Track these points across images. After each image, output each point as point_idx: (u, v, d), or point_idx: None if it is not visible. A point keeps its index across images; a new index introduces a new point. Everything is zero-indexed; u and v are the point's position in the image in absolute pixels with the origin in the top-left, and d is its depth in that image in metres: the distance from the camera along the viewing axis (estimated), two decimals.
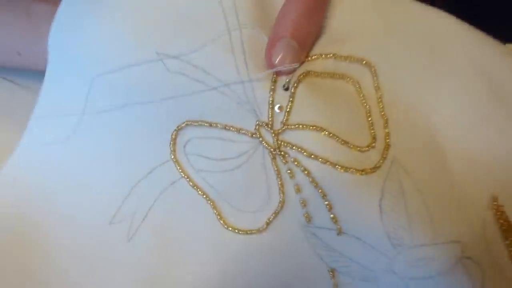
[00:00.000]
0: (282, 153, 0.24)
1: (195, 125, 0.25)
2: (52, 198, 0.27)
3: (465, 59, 0.27)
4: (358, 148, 0.24)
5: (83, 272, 0.26)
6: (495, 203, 0.25)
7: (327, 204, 0.23)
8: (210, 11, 0.25)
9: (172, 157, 0.26)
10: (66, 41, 0.26)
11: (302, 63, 0.25)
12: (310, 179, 0.23)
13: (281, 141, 0.24)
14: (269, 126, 0.24)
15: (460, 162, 0.26)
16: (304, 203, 0.24)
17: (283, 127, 0.24)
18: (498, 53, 0.27)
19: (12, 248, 0.26)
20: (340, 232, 0.23)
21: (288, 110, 0.24)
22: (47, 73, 0.27)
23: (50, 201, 0.27)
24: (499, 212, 0.26)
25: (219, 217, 0.25)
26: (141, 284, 0.25)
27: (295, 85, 0.24)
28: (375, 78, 0.25)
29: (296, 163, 0.23)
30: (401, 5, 0.27)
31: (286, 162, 0.24)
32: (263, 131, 0.24)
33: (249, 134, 0.24)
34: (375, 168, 0.24)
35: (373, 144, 0.24)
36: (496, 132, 0.27)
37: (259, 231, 0.25)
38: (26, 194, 0.27)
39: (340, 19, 0.27)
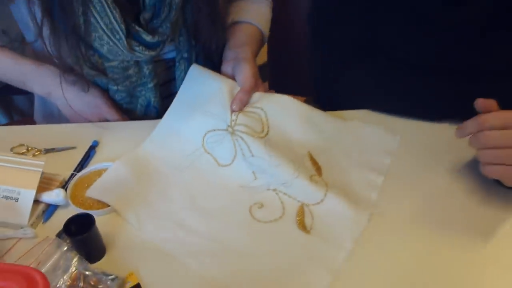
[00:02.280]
0: (234, 134, 0.74)
1: (210, 131, 0.76)
2: (160, 155, 0.77)
3: (298, 113, 0.80)
4: (257, 134, 0.75)
5: (166, 181, 0.73)
6: (309, 152, 0.76)
7: (248, 147, 0.73)
8: (217, 99, 0.78)
9: (202, 144, 0.76)
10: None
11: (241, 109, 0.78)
12: (244, 141, 0.74)
13: (234, 130, 0.75)
14: (231, 126, 0.75)
15: (297, 141, 0.77)
16: (242, 151, 0.73)
17: (234, 125, 0.75)
18: (313, 111, 0.80)
19: (145, 171, 0.75)
20: (252, 155, 0.73)
21: (235, 121, 0.76)
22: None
23: (159, 155, 0.77)
24: (310, 155, 0.76)
25: (216, 162, 0.75)
26: (185, 194, 0.72)
27: (238, 114, 0.77)
28: (266, 113, 0.78)
29: (239, 136, 0.74)
30: (275, 95, 0.81)
31: (235, 137, 0.74)
32: (229, 128, 0.75)
33: (225, 129, 0.75)
34: (263, 138, 0.75)
35: (263, 132, 0.76)
36: (310, 135, 0.78)
37: (229, 164, 0.74)
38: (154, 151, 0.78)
39: (255, 97, 0.80)
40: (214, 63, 0.92)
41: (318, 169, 0.74)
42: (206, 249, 0.64)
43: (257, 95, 0.80)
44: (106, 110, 0.87)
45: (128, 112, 0.91)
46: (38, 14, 0.76)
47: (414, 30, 0.76)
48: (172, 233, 0.66)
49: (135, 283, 0.59)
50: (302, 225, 0.66)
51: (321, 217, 0.67)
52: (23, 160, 0.70)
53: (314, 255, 0.63)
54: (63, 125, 0.87)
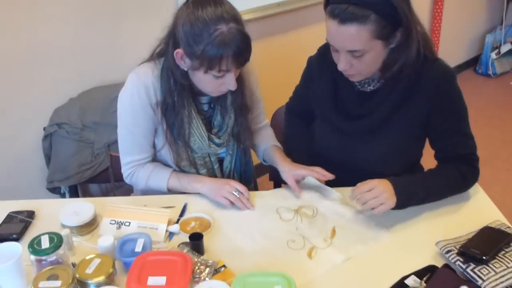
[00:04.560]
0: (297, 212, 1.47)
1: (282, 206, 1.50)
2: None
3: (333, 202, 1.51)
4: (308, 217, 1.46)
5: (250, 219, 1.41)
6: (333, 227, 1.44)
7: (301, 219, 1.46)
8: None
9: (276, 209, 1.50)
10: None
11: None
12: (300, 216, 1.46)
13: (298, 210, 1.47)
14: (297, 209, 1.49)
15: (329, 220, 1.45)
16: (296, 219, 1.45)
17: (299, 209, 1.49)
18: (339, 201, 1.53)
19: None
20: (301, 222, 1.44)
21: (299, 209, 1.49)
22: None
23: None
24: (333, 228, 1.43)
25: (280, 218, 1.46)
26: (258, 227, 1.41)
27: (300, 208, 1.51)
28: (317, 208, 1.54)
29: (299, 214, 1.47)
30: (322, 196, 1.52)
31: (297, 214, 1.47)
32: (296, 209, 1.48)
33: (295, 209, 1.49)
34: (311, 218, 1.45)
35: (313, 215, 1.48)
36: (336, 218, 1.49)
37: (288, 221, 1.44)
38: None
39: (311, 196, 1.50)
40: (245, 154, 1.67)
41: (333, 235, 1.40)
42: (259, 250, 1.32)
43: (311, 194, 1.55)
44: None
45: None
46: (164, 129, 1.49)
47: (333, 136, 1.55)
48: (244, 240, 1.34)
49: (222, 264, 1.24)
50: (309, 254, 1.33)
51: (321, 254, 1.33)
52: (158, 209, 1.38)
53: (311, 269, 1.28)
54: (163, 196, 1.55)
